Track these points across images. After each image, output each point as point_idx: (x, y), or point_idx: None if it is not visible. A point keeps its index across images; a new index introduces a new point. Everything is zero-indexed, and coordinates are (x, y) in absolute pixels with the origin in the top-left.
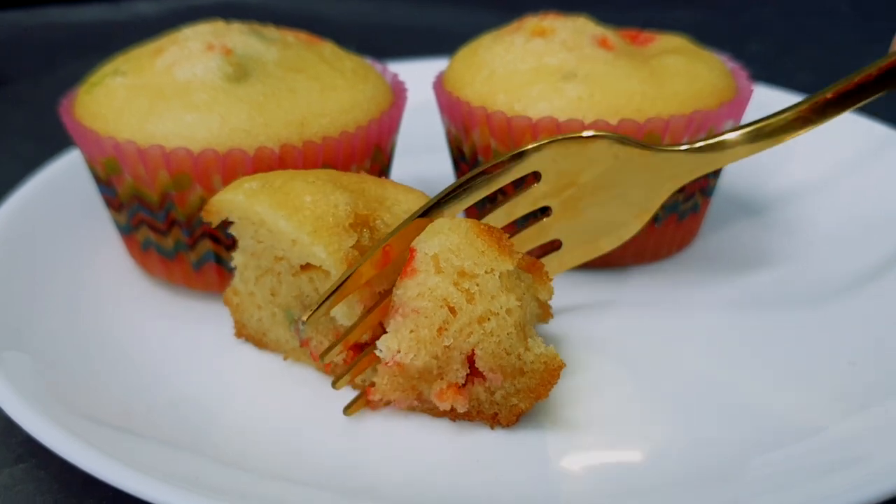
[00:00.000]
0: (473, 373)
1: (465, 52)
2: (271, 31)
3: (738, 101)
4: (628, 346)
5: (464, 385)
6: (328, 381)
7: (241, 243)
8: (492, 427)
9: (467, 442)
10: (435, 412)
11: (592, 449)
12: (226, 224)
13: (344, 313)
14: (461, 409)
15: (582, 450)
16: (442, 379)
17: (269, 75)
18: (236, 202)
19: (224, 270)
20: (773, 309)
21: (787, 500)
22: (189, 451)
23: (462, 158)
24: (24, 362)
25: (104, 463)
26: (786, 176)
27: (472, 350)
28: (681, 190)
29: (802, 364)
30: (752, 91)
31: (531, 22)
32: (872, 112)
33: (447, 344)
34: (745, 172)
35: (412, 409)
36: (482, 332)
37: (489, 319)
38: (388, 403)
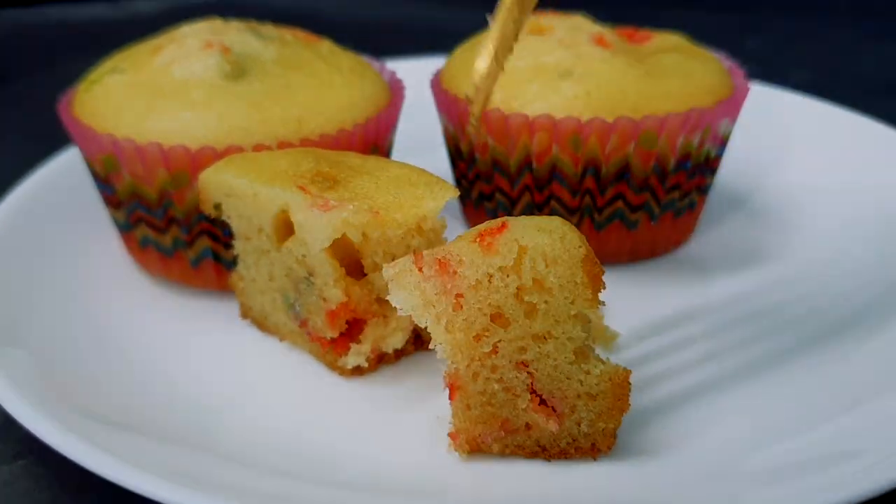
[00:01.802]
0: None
1: (463, 50)
2: (269, 30)
3: (735, 100)
4: (624, 343)
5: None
6: (328, 376)
7: (233, 227)
8: (594, 458)
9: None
10: (529, 451)
11: None
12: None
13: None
14: (554, 430)
15: None
16: (517, 395)
17: (266, 73)
18: (208, 177)
19: (222, 268)
20: (769, 306)
21: (783, 494)
22: (187, 448)
23: (459, 156)
24: (22, 359)
25: (103, 459)
26: (782, 174)
27: (525, 364)
28: (677, 187)
29: (797, 360)
30: (748, 89)
31: (528, 20)
32: (872, 111)
33: (486, 351)
34: (741, 170)
35: (505, 448)
36: (538, 351)
37: (546, 340)
38: (476, 447)
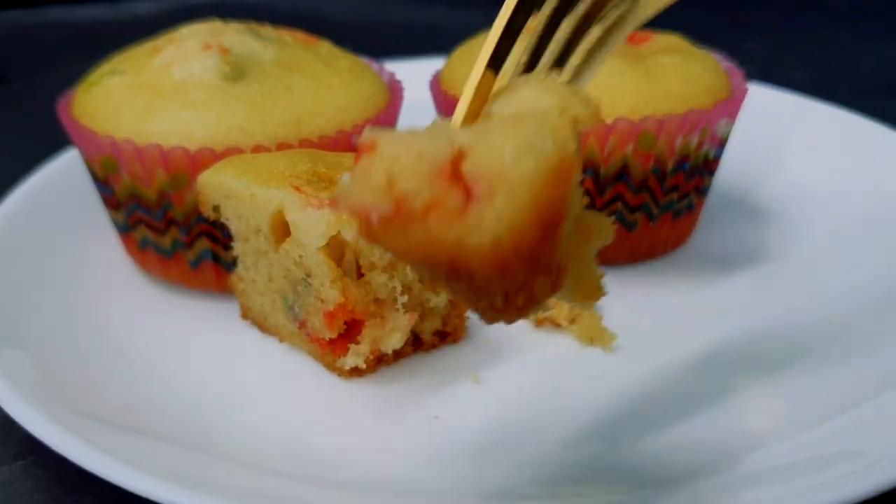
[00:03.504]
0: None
1: (462, 51)
2: (268, 31)
3: (733, 101)
4: (623, 344)
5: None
6: (327, 377)
7: (232, 229)
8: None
9: (459, 430)
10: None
11: (587, 444)
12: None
13: None
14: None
15: (576, 445)
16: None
17: (265, 74)
18: (207, 178)
19: (221, 269)
20: (768, 307)
21: (783, 494)
22: (186, 448)
23: None
24: (22, 360)
25: (102, 460)
26: (781, 175)
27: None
28: (676, 188)
29: (797, 361)
30: (746, 90)
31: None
32: (871, 111)
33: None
34: (740, 172)
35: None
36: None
37: None
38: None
